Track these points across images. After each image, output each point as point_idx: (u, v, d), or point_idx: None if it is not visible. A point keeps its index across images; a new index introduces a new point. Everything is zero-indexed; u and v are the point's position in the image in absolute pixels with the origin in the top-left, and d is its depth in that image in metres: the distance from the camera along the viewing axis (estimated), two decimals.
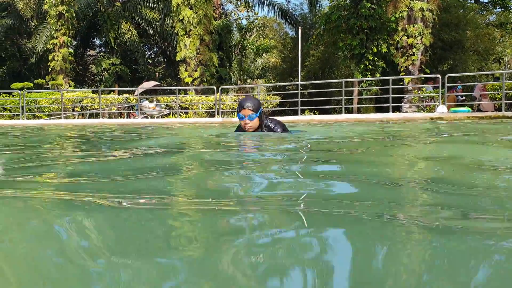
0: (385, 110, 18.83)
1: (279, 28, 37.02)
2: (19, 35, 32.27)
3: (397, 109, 18.75)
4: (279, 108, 22.46)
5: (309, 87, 24.42)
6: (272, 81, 32.26)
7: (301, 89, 20.60)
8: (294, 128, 5.76)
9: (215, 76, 24.56)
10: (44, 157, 3.17)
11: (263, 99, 20.85)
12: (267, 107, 20.51)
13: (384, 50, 20.92)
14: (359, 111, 18.88)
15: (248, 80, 30.71)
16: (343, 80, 17.60)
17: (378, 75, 20.92)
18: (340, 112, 21.19)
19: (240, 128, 4.79)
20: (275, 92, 23.90)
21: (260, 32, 34.99)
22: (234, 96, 21.71)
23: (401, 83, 19.48)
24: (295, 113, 21.86)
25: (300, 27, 24.08)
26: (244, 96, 6.27)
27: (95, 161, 2.79)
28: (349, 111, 19.20)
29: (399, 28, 19.57)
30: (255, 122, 4.47)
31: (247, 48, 31.59)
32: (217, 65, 24.49)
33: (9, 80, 28.33)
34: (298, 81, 21.75)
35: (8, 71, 34.03)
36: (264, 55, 32.68)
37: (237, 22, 32.12)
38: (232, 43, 30.13)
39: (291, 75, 31.15)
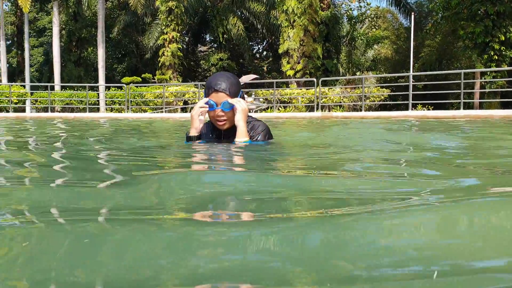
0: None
1: (392, 18, 34.71)
2: (136, 32, 33.97)
3: None
4: (387, 102, 20.71)
5: (423, 79, 22.24)
6: (383, 73, 30.26)
7: (413, 82, 18.73)
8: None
9: (320, 69, 23.44)
10: None
11: (369, 92, 19.31)
12: (374, 101, 18.96)
13: None
14: (480, 106, 16.65)
15: (358, 73, 29.14)
16: (462, 71, 15.47)
17: (505, 66, 18.33)
18: (458, 108, 18.95)
19: (207, 127, 2.96)
20: (384, 85, 22.14)
21: (373, 22, 33.22)
22: (341, 88, 20.44)
23: None
24: (405, 107, 20.02)
25: (413, 14, 22.04)
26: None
27: None
28: (469, 106, 17.03)
29: None
30: (232, 114, 2.75)
31: (357, 39, 30.05)
32: (322, 57, 23.38)
33: (128, 75, 29.92)
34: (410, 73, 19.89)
35: (127, 67, 36.11)
36: (375, 46, 30.86)
37: (348, 13, 30.72)
38: (340, 34, 28.79)
39: (404, 67, 28.95)
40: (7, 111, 18.79)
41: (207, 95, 2.76)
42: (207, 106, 2.73)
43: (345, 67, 29.84)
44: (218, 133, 2.89)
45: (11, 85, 19.91)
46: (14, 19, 37.16)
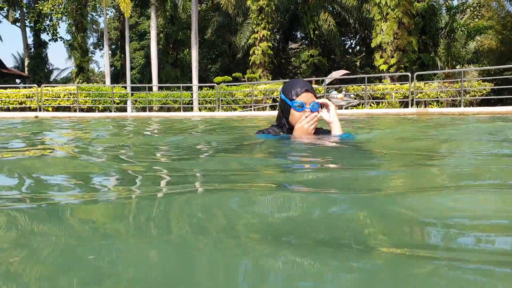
0: None
1: (498, 7, 32.16)
2: (229, 32, 34.75)
3: None
4: (491, 97, 19.18)
5: None
6: (487, 66, 28.15)
7: None
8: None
9: (416, 63, 22.34)
10: None
11: (469, 86, 18.02)
12: (474, 96, 17.66)
13: None
14: None
15: (457, 66, 27.39)
16: None
17: None
18: None
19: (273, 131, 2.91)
20: (488, 78, 20.55)
21: (475, 12, 31.10)
22: (439, 83, 19.30)
23: None
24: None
25: None
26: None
27: None
28: None
29: None
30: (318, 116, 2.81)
31: (456, 31, 28.25)
32: (418, 51, 22.26)
33: (221, 75, 30.72)
34: None
35: (220, 67, 37.10)
36: (477, 37, 28.80)
37: (447, 4, 29.01)
38: (438, 26, 27.24)
39: (511, 58, 26.70)
40: (110, 111, 20.10)
41: (294, 96, 2.75)
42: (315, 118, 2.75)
43: (443, 60, 28.19)
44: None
45: (114, 86, 21.25)
46: (118, 25, 39.75)
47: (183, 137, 4.59)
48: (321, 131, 2.92)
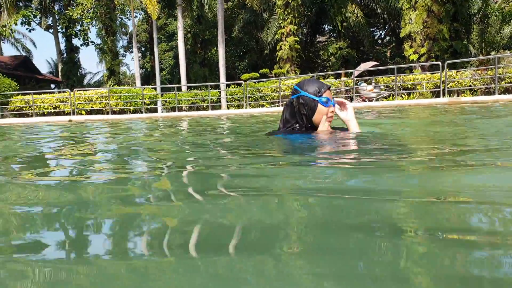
0: None
1: None
2: (256, 29, 34.71)
3: None
4: None
5: None
6: None
7: None
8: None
9: (448, 51, 21.73)
10: None
11: (503, 73, 17.39)
12: (510, 82, 17.01)
13: None
14: None
15: (492, 52, 26.50)
16: None
17: None
18: None
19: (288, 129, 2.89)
20: None
21: None
22: (472, 71, 18.68)
23: None
24: None
25: None
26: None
27: None
28: None
29: None
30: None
31: (490, 16, 27.32)
32: (450, 38, 21.66)
33: (249, 72, 30.72)
34: None
35: (248, 64, 37.12)
36: None
37: None
38: (471, 12, 26.40)
39: None
40: (141, 112, 20.39)
41: (320, 93, 2.81)
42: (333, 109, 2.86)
43: (477, 48, 27.34)
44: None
45: (144, 88, 21.53)
46: (147, 27, 40.25)
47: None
48: (338, 129, 2.98)
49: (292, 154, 2.42)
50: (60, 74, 36.39)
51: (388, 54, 36.03)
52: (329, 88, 2.83)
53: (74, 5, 30.73)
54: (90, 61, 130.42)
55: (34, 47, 61.91)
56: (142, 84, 27.98)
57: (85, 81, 45.71)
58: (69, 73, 34.75)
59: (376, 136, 2.98)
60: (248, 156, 2.51)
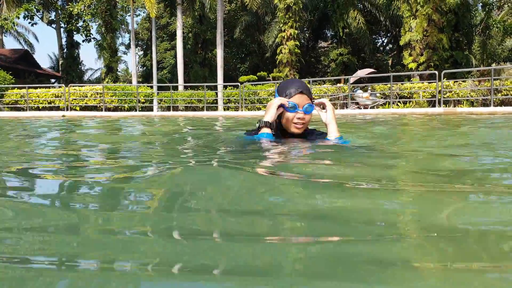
0: None
1: None
2: (257, 31, 34.60)
3: None
4: None
5: None
6: None
7: None
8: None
9: (448, 61, 21.57)
10: None
11: (500, 85, 17.18)
12: (506, 95, 16.83)
13: None
14: None
15: (493, 64, 26.36)
16: None
17: None
18: None
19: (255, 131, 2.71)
20: None
21: None
22: (474, 81, 18.48)
23: None
24: None
25: None
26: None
27: None
28: None
29: None
30: (309, 118, 2.66)
31: (492, 28, 27.21)
32: (450, 48, 21.52)
33: (249, 75, 30.56)
34: None
35: (249, 66, 37.00)
36: None
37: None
38: (473, 22, 26.28)
39: None
40: (136, 110, 20.25)
41: (288, 95, 2.62)
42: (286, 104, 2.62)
43: (478, 59, 27.22)
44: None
45: (139, 86, 21.39)
46: (149, 25, 40.13)
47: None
48: (317, 132, 2.83)
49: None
50: (60, 69, 36.30)
51: (389, 62, 35.91)
52: (301, 92, 2.59)
53: (75, 0, 30.65)
54: (91, 57, 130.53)
55: (37, 41, 61.88)
56: (142, 82, 27.89)
57: (86, 77, 45.61)
58: (69, 69, 34.62)
59: (338, 147, 2.65)
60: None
